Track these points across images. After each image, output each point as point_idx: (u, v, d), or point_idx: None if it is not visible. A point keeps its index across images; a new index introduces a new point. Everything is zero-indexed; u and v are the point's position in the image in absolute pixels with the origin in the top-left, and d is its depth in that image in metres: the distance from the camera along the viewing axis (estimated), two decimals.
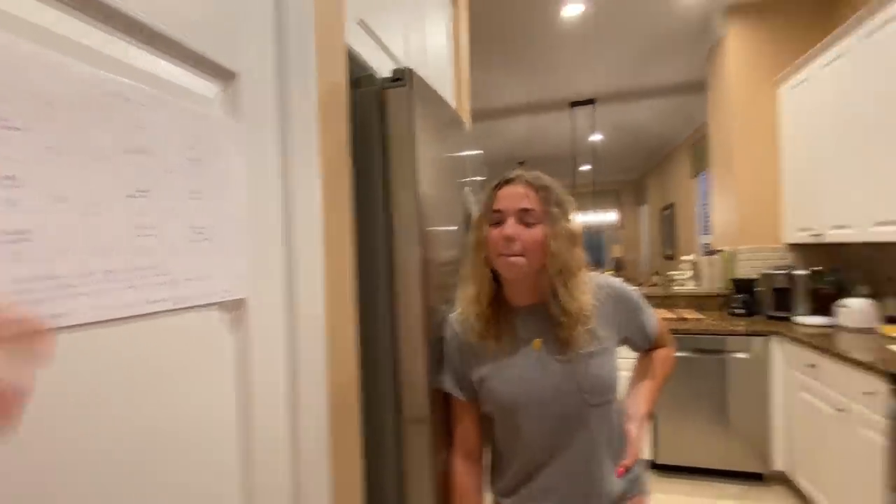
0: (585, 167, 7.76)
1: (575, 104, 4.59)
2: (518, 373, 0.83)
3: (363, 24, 0.92)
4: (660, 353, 0.97)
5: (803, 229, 2.62)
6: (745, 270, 2.90)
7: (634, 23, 3.07)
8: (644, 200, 8.94)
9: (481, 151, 1.66)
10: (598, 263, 7.23)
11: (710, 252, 3.27)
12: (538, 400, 0.82)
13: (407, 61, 1.21)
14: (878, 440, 1.62)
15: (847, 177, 2.21)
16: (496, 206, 0.81)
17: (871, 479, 1.66)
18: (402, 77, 0.81)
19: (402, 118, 0.80)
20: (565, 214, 0.81)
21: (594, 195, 9.48)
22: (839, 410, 1.89)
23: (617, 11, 2.93)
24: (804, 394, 2.18)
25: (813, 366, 2.09)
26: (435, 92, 0.97)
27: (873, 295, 2.32)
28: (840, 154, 2.26)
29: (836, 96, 2.28)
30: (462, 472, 0.90)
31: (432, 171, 0.93)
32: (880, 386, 1.61)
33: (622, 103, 4.66)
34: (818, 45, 2.38)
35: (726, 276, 2.99)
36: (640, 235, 9.08)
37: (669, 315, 2.93)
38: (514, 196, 0.80)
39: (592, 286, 0.84)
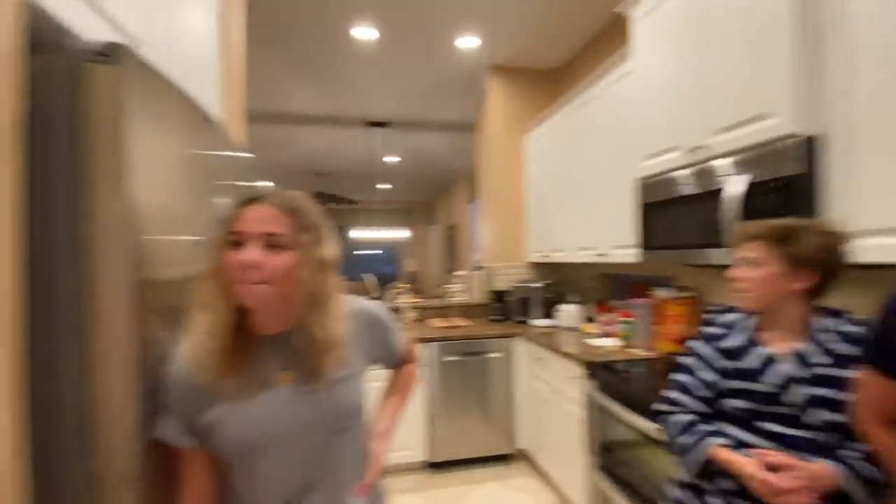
0: (385, 185, 8.11)
1: (370, 124, 4.76)
2: (260, 412, 0.74)
3: None
4: (405, 371, 1.03)
5: (537, 251, 3.34)
6: (502, 283, 3.49)
7: (422, 60, 3.39)
8: (434, 220, 9.89)
9: (251, 155, 1.54)
10: (393, 276, 7.60)
11: (478, 268, 3.80)
12: (283, 438, 0.75)
13: (148, 41, 1.03)
14: (579, 413, 2.14)
15: (561, 213, 2.92)
16: (237, 227, 0.71)
17: (577, 445, 2.17)
18: (112, 52, 0.67)
19: (107, 102, 0.65)
20: (318, 240, 0.75)
21: (391, 212, 10.02)
22: (555, 392, 2.42)
23: (406, 46, 3.18)
24: (536, 382, 2.72)
25: (540, 359, 2.64)
26: (168, 80, 0.84)
27: (580, 301, 3.09)
28: (557, 195, 2.97)
29: (556, 151, 2.98)
30: None
31: (161, 173, 0.80)
32: (579, 371, 2.14)
33: (414, 130, 5.07)
34: (548, 108, 3.08)
35: (488, 288, 3.53)
36: (430, 251, 9.97)
37: (445, 323, 3.28)
38: (260, 218, 0.71)
39: (346, 312, 0.81)
